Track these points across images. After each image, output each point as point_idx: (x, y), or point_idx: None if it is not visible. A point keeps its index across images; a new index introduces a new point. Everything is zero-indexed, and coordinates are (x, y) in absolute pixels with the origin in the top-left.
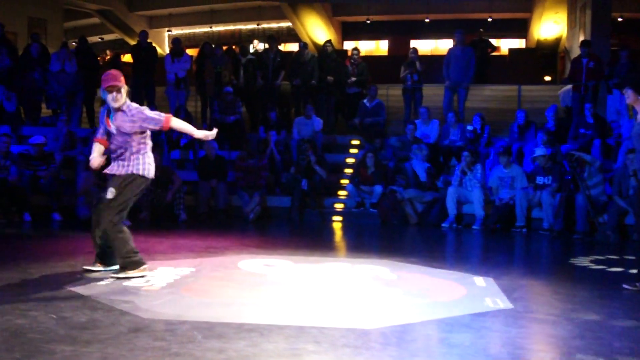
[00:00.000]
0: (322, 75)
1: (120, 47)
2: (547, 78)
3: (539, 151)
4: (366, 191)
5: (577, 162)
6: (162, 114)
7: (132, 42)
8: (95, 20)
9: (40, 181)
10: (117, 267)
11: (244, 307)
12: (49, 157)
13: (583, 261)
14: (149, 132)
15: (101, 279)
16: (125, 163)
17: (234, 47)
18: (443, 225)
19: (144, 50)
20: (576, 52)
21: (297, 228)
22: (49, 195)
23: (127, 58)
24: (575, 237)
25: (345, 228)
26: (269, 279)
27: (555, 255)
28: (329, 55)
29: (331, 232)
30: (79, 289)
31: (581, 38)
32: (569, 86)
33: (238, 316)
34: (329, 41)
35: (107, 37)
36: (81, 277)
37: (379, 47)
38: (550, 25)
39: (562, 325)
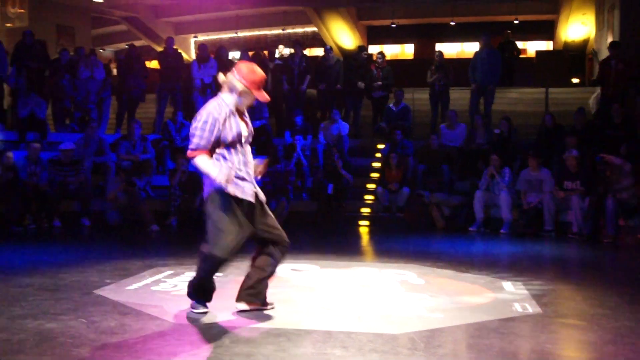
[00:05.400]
0: (349, 79)
1: (147, 53)
2: (575, 80)
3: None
4: (393, 191)
5: (606, 164)
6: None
7: (159, 49)
8: (122, 27)
9: (70, 187)
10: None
11: (271, 311)
12: (78, 163)
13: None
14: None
15: (130, 284)
16: None
17: (261, 52)
18: (470, 229)
19: (171, 57)
20: (604, 53)
21: (323, 233)
22: (78, 200)
23: (153, 64)
24: (604, 241)
25: (371, 232)
26: (296, 283)
27: (585, 260)
28: (359, 61)
29: (358, 236)
30: (109, 294)
31: (609, 39)
32: (599, 91)
33: (265, 321)
34: (363, 47)
35: (134, 43)
36: (110, 282)
37: (405, 51)
38: (577, 27)
39: (592, 330)
